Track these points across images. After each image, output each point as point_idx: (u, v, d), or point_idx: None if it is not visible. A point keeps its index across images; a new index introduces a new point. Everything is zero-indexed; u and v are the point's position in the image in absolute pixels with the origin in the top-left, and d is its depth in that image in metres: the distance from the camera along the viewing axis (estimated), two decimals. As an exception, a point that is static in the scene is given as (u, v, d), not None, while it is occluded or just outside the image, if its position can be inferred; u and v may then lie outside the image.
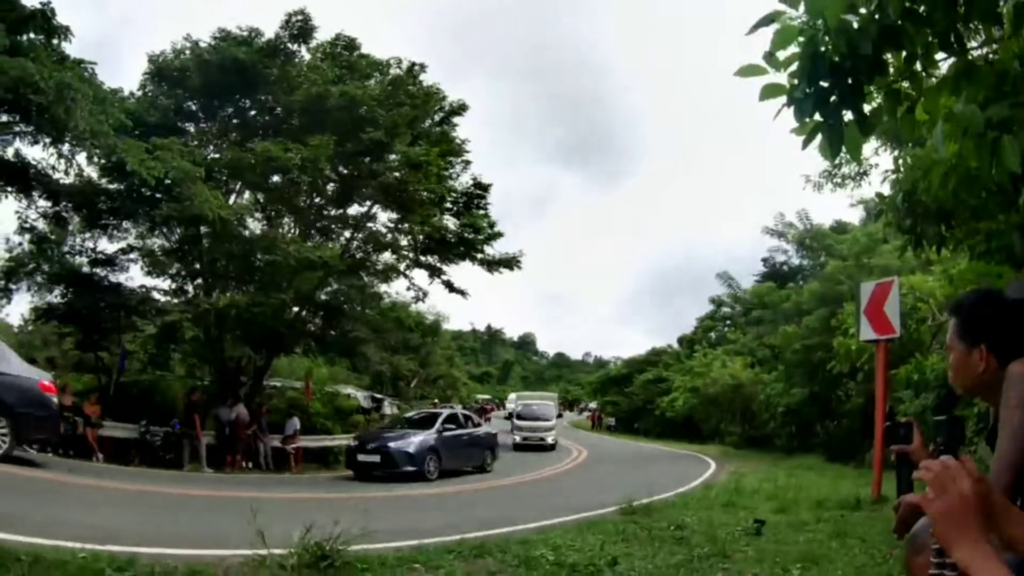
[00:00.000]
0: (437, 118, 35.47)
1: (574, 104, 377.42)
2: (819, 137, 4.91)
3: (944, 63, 5.23)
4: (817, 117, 4.80)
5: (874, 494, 15.64)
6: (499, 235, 36.29)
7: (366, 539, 7.97)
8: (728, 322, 71.53)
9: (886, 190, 11.11)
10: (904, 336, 20.00)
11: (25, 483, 15.45)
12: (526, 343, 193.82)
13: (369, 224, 35.24)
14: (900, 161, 10.70)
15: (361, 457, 26.20)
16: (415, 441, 26.55)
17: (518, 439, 46.42)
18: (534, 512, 15.11)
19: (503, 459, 33.88)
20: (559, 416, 57.35)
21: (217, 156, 31.18)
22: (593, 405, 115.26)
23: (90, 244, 31.52)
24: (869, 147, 18.22)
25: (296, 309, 32.85)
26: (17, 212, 29.46)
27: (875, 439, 16.81)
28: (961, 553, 2.02)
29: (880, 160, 22.47)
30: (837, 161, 24.23)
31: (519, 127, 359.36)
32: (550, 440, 46.83)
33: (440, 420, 28.93)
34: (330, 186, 33.31)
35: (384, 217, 35.10)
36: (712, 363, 56.76)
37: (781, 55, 4.70)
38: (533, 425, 47.92)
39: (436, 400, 62.10)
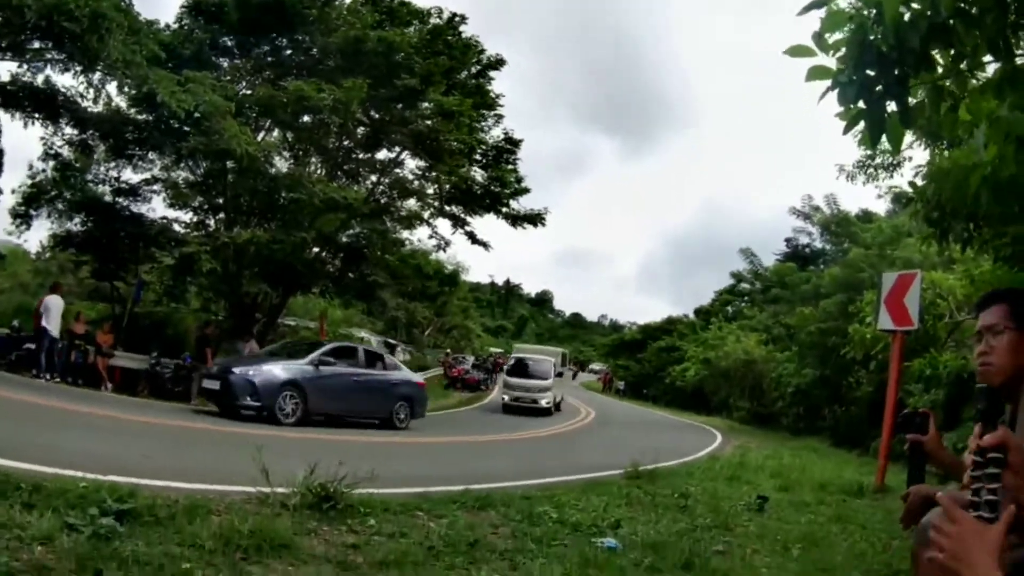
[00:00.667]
0: (474, 71, 35.56)
1: (612, 69, 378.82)
2: (861, 124, 4.91)
3: (990, 66, 5.21)
4: (861, 104, 4.79)
5: (878, 482, 15.65)
6: (526, 190, 36.53)
7: (370, 483, 7.95)
8: (746, 298, 71.49)
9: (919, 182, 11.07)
10: (920, 330, 19.99)
11: (31, 410, 15.51)
12: (543, 300, 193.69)
13: (396, 170, 35.40)
14: (937, 157, 10.65)
15: (205, 383, 22.03)
16: (265, 370, 21.28)
17: (506, 399, 39.62)
18: (541, 468, 15.30)
19: (518, 418, 33.86)
20: (559, 375, 46.18)
21: (249, 92, 31.11)
22: (596, 366, 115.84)
23: (114, 174, 31.78)
24: (905, 140, 18.12)
25: (316, 249, 32.88)
26: (43, 138, 29.69)
27: (883, 428, 16.84)
28: None
29: (914, 154, 22.36)
30: (871, 152, 24.17)
31: (555, 86, 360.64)
32: (544, 402, 38.69)
33: (318, 351, 23.31)
34: (360, 130, 33.32)
35: (412, 164, 35.33)
36: (727, 337, 56.87)
37: (830, 38, 4.69)
38: (525, 384, 39.68)
39: (448, 350, 62.33)
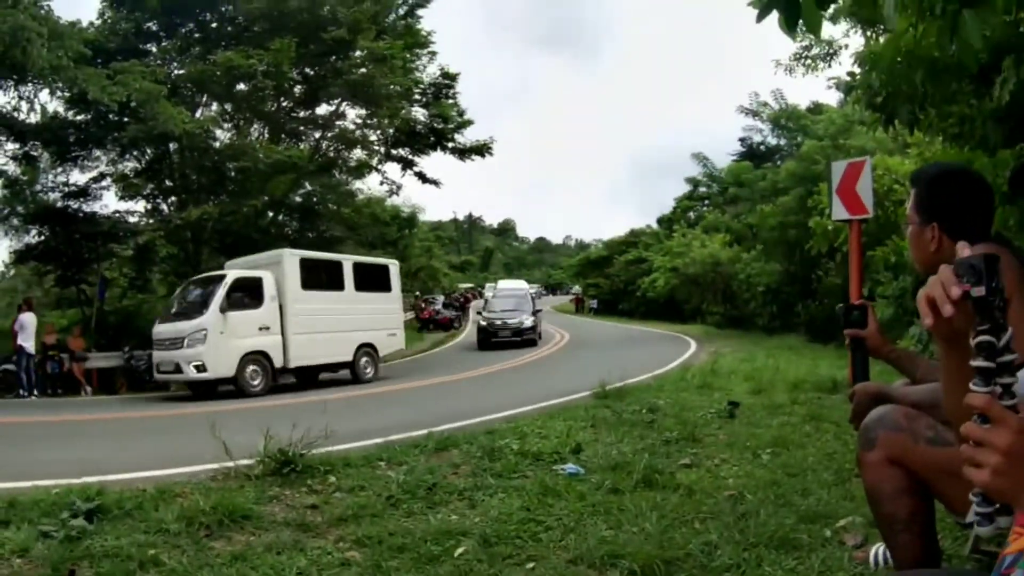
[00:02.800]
0: (401, 12, 35.20)
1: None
2: (775, 13, 4.79)
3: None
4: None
5: (850, 376, 15.65)
6: (468, 123, 36.96)
7: (331, 441, 8.08)
8: (706, 201, 71.14)
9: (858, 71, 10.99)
10: (881, 218, 20.00)
11: (8, 430, 15.55)
12: (506, 230, 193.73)
13: (338, 123, 35.49)
14: (870, 47, 10.56)
15: None
16: None
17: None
18: (509, 400, 15.26)
19: (492, 352, 33.81)
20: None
21: (181, 72, 31.36)
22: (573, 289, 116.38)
23: (62, 179, 32.02)
24: (839, 29, 18.07)
25: (271, 214, 32.99)
26: (-16, 160, 29.56)
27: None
28: None
29: (851, 41, 22.30)
30: (807, 43, 24.08)
31: (497, 12, 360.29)
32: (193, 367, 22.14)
33: None
34: (296, 88, 33.44)
35: (353, 114, 35.55)
36: (691, 242, 56.58)
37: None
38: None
39: (418, 292, 62.22)
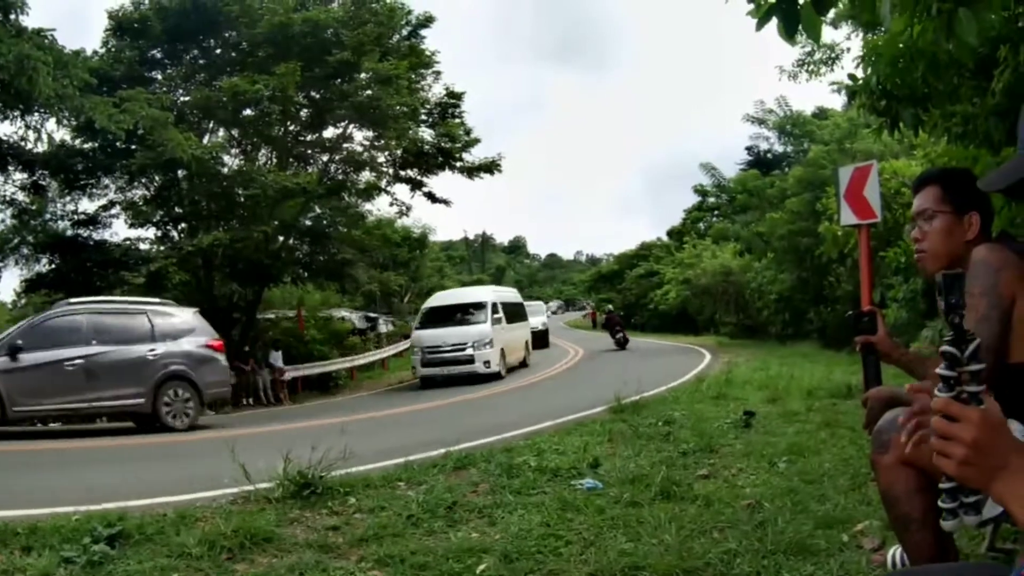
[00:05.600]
0: (404, 32, 35.23)
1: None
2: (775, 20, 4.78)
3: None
4: (771, -2, 4.68)
5: (863, 382, 15.59)
6: (476, 141, 36.75)
7: (350, 462, 8.12)
8: (715, 212, 70.87)
9: (860, 73, 10.99)
10: (890, 221, 19.97)
11: (23, 458, 15.50)
12: (517, 247, 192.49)
13: (346, 145, 35.32)
14: (870, 44, 10.53)
15: None
16: None
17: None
18: (525, 417, 15.15)
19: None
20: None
21: (187, 99, 31.50)
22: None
23: (71, 207, 32.12)
24: (841, 33, 18.07)
25: (281, 239, 33.00)
26: (-7, 190, 29.64)
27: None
28: (996, 490, 1.66)
29: (852, 44, 22.28)
30: (809, 48, 24.05)
31: (508, 31, 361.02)
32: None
33: None
34: (303, 112, 33.45)
35: (360, 136, 35.36)
36: (702, 253, 56.43)
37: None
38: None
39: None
